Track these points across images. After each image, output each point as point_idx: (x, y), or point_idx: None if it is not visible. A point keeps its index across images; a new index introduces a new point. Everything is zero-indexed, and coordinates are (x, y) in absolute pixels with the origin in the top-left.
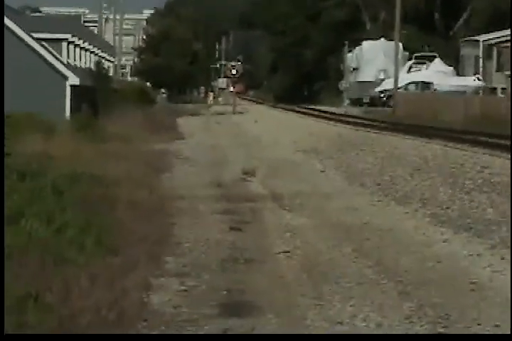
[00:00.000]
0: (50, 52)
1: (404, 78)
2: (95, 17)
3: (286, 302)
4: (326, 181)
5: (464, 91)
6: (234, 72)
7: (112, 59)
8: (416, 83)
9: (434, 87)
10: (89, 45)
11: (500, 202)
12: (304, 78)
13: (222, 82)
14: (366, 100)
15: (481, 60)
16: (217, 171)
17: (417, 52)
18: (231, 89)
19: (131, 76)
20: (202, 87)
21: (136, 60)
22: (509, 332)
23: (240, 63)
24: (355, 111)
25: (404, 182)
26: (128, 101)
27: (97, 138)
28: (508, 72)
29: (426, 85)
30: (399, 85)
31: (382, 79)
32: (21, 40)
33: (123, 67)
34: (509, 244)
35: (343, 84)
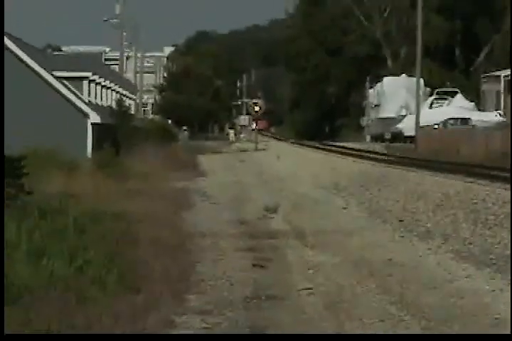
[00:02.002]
0: (71, 91)
1: (426, 114)
2: (116, 55)
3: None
4: (348, 218)
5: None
6: (257, 108)
7: (133, 97)
8: (455, 119)
9: (473, 123)
10: (111, 83)
11: None
12: (326, 114)
13: (243, 119)
14: (388, 136)
15: (502, 95)
16: (239, 208)
17: (439, 88)
18: (253, 126)
19: (152, 113)
20: (227, 124)
21: (157, 97)
22: (509, 332)
23: (261, 99)
24: (377, 147)
25: (426, 218)
26: (149, 139)
27: (119, 176)
28: None
29: (465, 121)
30: (437, 121)
31: (404, 116)
32: (43, 78)
33: (144, 104)
34: None
35: (364, 120)
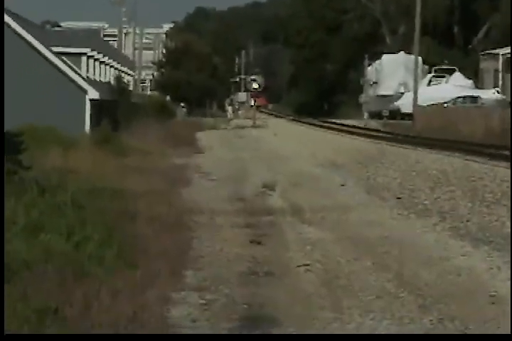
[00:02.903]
0: (70, 67)
1: (424, 92)
2: (115, 31)
3: (306, 316)
4: (345, 195)
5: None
6: (255, 85)
7: (131, 73)
8: (464, 97)
9: (482, 101)
10: (109, 59)
11: None
12: (324, 92)
13: (242, 95)
14: (386, 113)
15: (500, 74)
16: (237, 185)
17: (437, 66)
18: (252, 102)
19: (150, 90)
20: (227, 100)
21: (155, 74)
22: (509, 332)
23: (260, 76)
24: (375, 124)
25: (424, 196)
26: (148, 115)
27: (117, 153)
28: None
29: (474, 99)
30: (448, 99)
31: (402, 93)
32: (41, 54)
33: (143, 81)
34: None
35: (362, 98)
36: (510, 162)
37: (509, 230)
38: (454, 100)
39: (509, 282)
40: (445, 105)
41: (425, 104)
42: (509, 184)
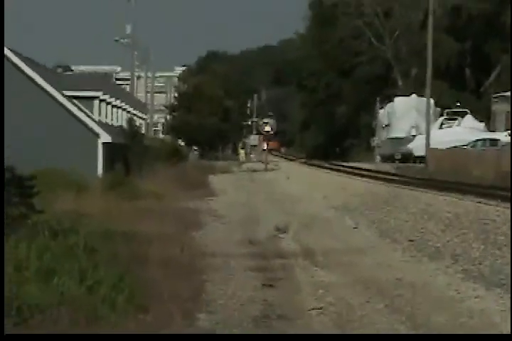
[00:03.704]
0: (82, 110)
1: (436, 134)
2: (127, 75)
3: None
4: (358, 237)
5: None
6: (268, 128)
7: (144, 116)
8: (484, 140)
9: (503, 143)
10: (121, 102)
11: None
12: (336, 135)
13: (254, 138)
14: (398, 156)
15: (510, 116)
16: (250, 228)
17: (449, 109)
18: (264, 146)
19: (163, 133)
20: (239, 143)
21: (168, 117)
22: (509, 332)
23: (273, 119)
24: (387, 167)
25: (436, 238)
26: (160, 159)
27: (130, 196)
28: None
29: (494, 142)
30: (467, 142)
31: (414, 136)
32: (53, 98)
33: (155, 124)
34: None
35: (374, 141)
36: (510, 200)
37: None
38: (474, 143)
39: None
40: (464, 147)
41: (444, 147)
42: None
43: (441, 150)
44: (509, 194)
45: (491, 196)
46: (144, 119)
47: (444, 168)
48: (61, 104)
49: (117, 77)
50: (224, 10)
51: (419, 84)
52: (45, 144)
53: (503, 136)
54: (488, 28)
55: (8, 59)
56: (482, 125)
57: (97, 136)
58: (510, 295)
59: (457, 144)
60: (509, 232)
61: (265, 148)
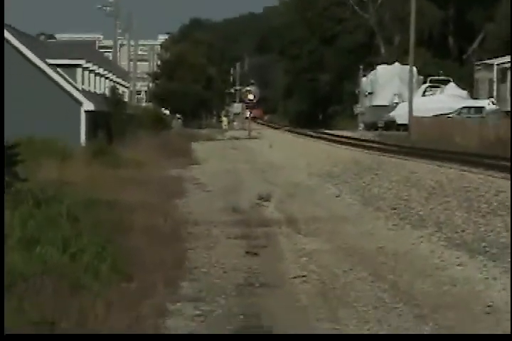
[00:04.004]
0: (65, 78)
1: (419, 102)
2: (110, 43)
3: (303, 327)
4: (341, 205)
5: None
6: (251, 96)
7: (126, 84)
8: (469, 108)
9: (487, 111)
10: (104, 70)
11: None
12: (319, 102)
13: (237, 106)
14: (381, 124)
15: (495, 84)
16: (232, 196)
17: (432, 76)
18: (247, 113)
19: (146, 101)
20: (222, 111)
21: (151, 85)
22: (509, 332)
23: (256, 87)
24: (370, 135)
25: (419, 206)
26: (143, 127)
27: (112, 164)
28: None
29: (478, 109)
30: (452, 110)
31: (397, 103)
32: (36, 66)
33: (138, 92)
34: None
35: (357, 108)
36: (510, 170)
37: (504, 240)
38: (459, 111)
39: (504, 292)
40: (450, 116)
41: (427, 115)
42: (506, 194)
43: (424, 117)
44: (493, 161)
45: (474, 164)
46: (127, 87)
47: (427, 135)
48: (44, 73)
49: (100, 44)
50: None
51: (402, 52)
52: (28, 112)
53: (485, 104)
54: None
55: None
56: (465, 92)
57: (80, 104)
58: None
59: (440, 112)
60: (493, 200)
61: (248, 115)
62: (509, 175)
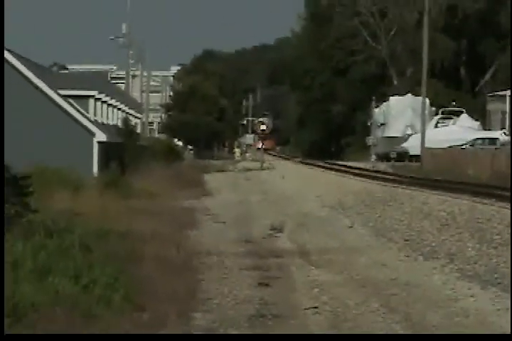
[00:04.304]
0: (77, 109)
1: (431, 133)
2: (122, 74)
3: None
4: (353, 237)
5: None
6: (263, 127)
7: (139, 115)
8: (483, 139)
9: (501, 142)
10: (117, 101)
11: None
12: (331, 133)
13: (249, 137)
14: (393, 155)
15: (507, 115)
16: (245, 227)
17: (444, 108)
18: (259, 145)
19: (158, 132)
20: (235, 142)
21: (163, 116)
22: (509, 332)
23: (268, 118)
24: (383, 166)
25: (431, 238)
26: (155, 158)
27: (125, 195)
28: None
29: (492, 141)
30: (465, 141)
31: (409, 135)
32: (48, 97)
33: (150, 123)
34: None
35: (370, 140)
36: (510, 199)
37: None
38: (473, 142)
39: None
40: (463, 147)
41: (440, 146)
42: None
43: (437, 149)
44: (506, 193)
45: (486, 195)
46: (139, 118)
47: (440, 167)
48: (56, 103)
49: (113, 76)
50: (220, 9)
51: (414, 84)
52: (40, 143)
53: (497, 135)
54: (484, 27)
55: (4, 58)
56: (477, 124)
57: (93, 135)
58: (510, 294)
59: (453, 143)
60: (505, 231)
61: (260, 146)
62: None
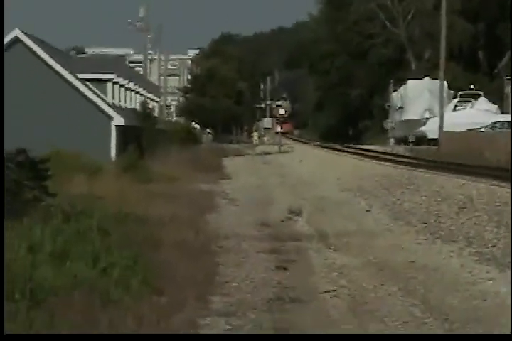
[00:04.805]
0: (95, 93)
1: (449, 117)
2: (140, 58)
3: None
4: (371, 220)
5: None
6: (282, 111)
7: (157, 99)
8: (502, 122)
9: None
10: (135, 85)
11: None
12: (349, 117)
13: (267, 121)
14: (411, 139)
15: None
16: (263, 211)
17: (462, 91)
18: (277, 128)
19: (176, 116)
20: (253, 126)
21: (181, 100)
22: (509, 332)
23: (287, 102)
24: (401, 149)
25: (449, 221)
26: (173, 141)
27: (143, 179)
28: None
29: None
30: (484, 125)
31: (428, 118)
32: (66, 81)
33: (168, 107)
34: None
35: (388, 123)
36: (510, 183)
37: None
38: (492, 125)
39: None
40: (482, 130)
41: (458, 130)
42: None
43: (455, 132)
44: None
45: (504, 178)
46: (157, 102)
47: (458, 150)
48: (74, 87)
49: (130, 59)
50: None
51: (432, 67)
52: (59, 127)
53: None
54: (501, 10)
55: (22, 42)
56: (495, 107)
57: (110, 118)
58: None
59: (472, 127)
60: None
61: (279, 130)
62: None
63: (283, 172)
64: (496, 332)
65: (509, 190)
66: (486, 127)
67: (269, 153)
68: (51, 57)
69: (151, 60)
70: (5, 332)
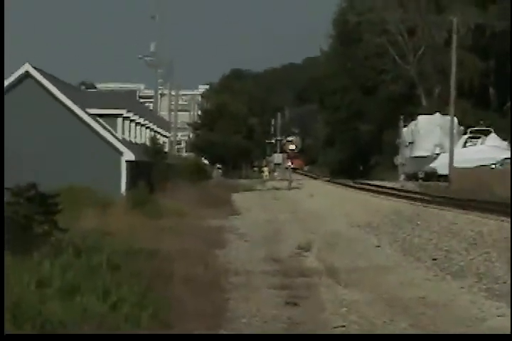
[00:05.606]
0: (106, 128)
1: (460, 153)
2: (151, 93)
3: None
4: (381, 256)
5: None
6: (292, 147)
7: (167, 134)
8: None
9: None
10: (145, 120)
11: None
12: (360, 152)
13: (277, 157)
14: (422, 175)
15: None
16: (273, 246)
17: (472, 127)
18: (288, 164)
19: (186, 151)
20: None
21: (191, 135)
22: (509, 332)
23: (297, 137)
24: (411, 185)
25: (459, 257)
26: (183, 177)
27: (153, 214)
28: None
29: None
30: (494, 161)
31: (438, 154)
32: (77, 116)
33: (178, 142)
34: None
35: (398, 159)
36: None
37: None
38: (502, 161)
39: None
40: (493, 166)
41: (468, 166)
42: None
43: (465, 168)
44: None
45: None
46: (167, 137)
47: (468, 186)
48: (85, 122)
49: (141, 94)
50: (248, 28)
51: (442, 103)
52: (69, 162)
53: None
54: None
55: (32, 77)
56: (506, 143)
57: (121, 153)
58: (510, 299)
59: (482, 163)
60: None
61: (289, 166)
62: None
63: (293, 207)
64: None
65: None
66: (496, 163)
67: (279, 189)
68: (62, 92)
69: (162, 95)
70: (5, 332)
